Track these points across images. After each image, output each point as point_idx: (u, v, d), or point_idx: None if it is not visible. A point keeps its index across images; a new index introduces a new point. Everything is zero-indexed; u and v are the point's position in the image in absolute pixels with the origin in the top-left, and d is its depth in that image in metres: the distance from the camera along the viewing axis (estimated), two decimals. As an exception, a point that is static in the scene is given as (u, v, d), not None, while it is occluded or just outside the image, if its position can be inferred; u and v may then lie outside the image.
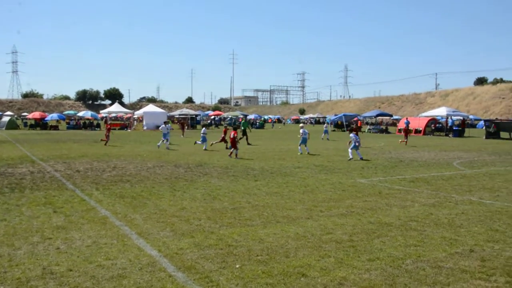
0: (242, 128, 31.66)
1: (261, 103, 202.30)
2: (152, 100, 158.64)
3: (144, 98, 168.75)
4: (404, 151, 25.61)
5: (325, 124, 43.50)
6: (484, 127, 47.48)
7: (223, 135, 26.11)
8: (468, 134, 48.09)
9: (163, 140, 26.39)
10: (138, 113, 63.56)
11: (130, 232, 7.62)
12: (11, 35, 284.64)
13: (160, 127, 27.87)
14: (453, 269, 5.98)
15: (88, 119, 69.47)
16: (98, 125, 62.83)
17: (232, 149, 21.11)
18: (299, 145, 23.57)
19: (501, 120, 52.85)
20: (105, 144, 28.09)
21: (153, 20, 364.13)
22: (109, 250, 6.62)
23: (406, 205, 10.23)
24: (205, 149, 24.80)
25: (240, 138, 24.17)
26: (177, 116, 72.27)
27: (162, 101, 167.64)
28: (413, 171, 16.57)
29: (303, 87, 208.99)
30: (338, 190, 12.08)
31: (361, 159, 20.08)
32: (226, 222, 8.39)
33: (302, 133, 23.41)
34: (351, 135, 20.92)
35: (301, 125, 24.79)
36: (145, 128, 56.32)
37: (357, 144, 20.40)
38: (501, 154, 24.32)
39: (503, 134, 42.26)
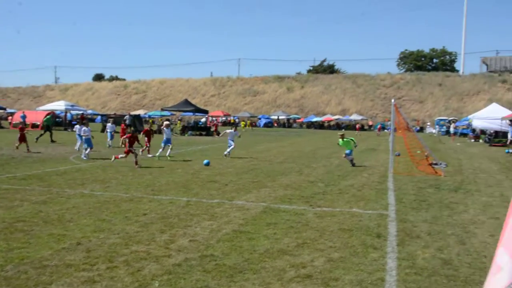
0: (45, 123, 29.28)
1: None
2: None
3: None
4: (20, 149, 23.98)
5: None
6: (101, 122, 49.75)
7: None
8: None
9: None
10: None
11: None
12: None
13: None
14: (58, 266, 5.90)
15: None
16: None
17: None
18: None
19: (115, 115, 56.49)
20: None
21: None
22: None
23: (14, 205, 9.55)
24: None
25: (41, 135, 25.98)
26: None
27: None
28: (26, 168, 15.70)
29: None
30: None
31: None
32: None
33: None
34: None
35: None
36: None
37: None
38: (114, 147, 25.92)
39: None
